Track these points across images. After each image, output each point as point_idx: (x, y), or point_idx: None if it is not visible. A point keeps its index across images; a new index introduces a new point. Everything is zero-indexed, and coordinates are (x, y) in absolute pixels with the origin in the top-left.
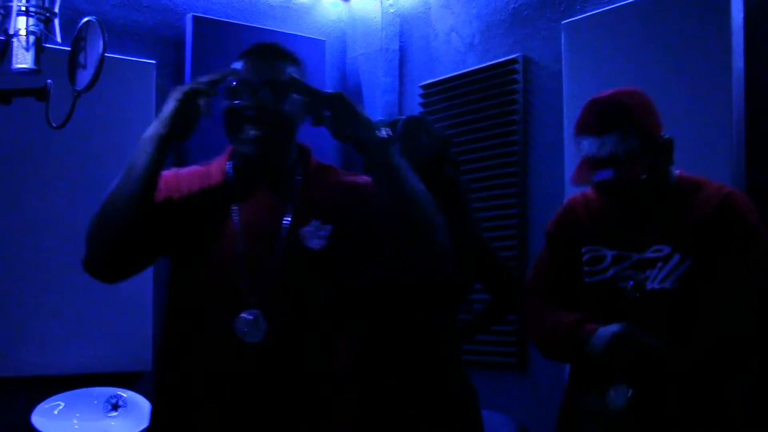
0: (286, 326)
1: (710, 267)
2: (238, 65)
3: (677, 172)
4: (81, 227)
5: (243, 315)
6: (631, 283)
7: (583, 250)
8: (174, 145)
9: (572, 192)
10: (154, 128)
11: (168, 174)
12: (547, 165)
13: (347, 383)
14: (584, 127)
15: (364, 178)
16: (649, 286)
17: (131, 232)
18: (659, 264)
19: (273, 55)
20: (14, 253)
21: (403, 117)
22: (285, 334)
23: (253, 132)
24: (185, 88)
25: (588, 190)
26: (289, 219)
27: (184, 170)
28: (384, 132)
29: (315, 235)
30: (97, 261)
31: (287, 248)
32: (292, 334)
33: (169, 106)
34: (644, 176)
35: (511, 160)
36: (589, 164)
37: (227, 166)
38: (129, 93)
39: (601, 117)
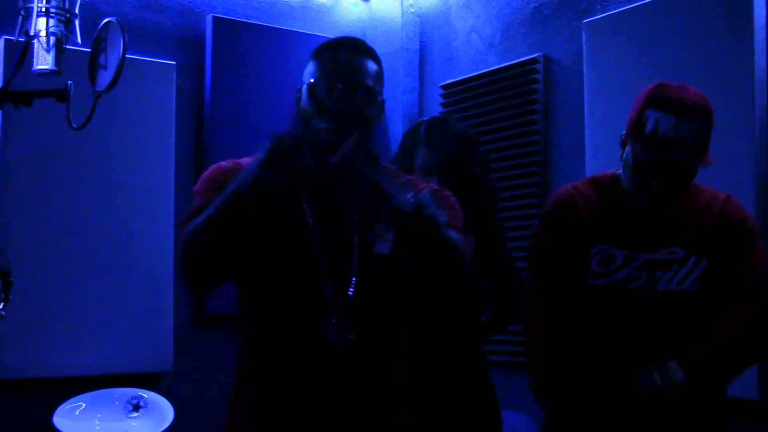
0: (373, 331)
1: (726, 268)
2: (313, 63)
3: None
4: (103, 228)
5: (333, 318)
6: (645, 284)
7: (593, 250)
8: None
9: None
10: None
11: (224, 176)
12: (569, 164)
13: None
14: (665, 104)
15: (426, 183)
16: (662, 287)
17: (230, 255)
18: (674, 266)
19: (354, 50)
20: (37, 255)
21: (426, 119)
22: (372, 338)
23: (329, 137)
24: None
25: (577, 183)
26: (358, 223)
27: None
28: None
29: (382, 239)
30: (196, 277)
31: (361, 253)
32: (378, 337)
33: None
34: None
35: (532, 159)
36: (653, 143)
37: None
38: (149, 94)
39: (686, 101)
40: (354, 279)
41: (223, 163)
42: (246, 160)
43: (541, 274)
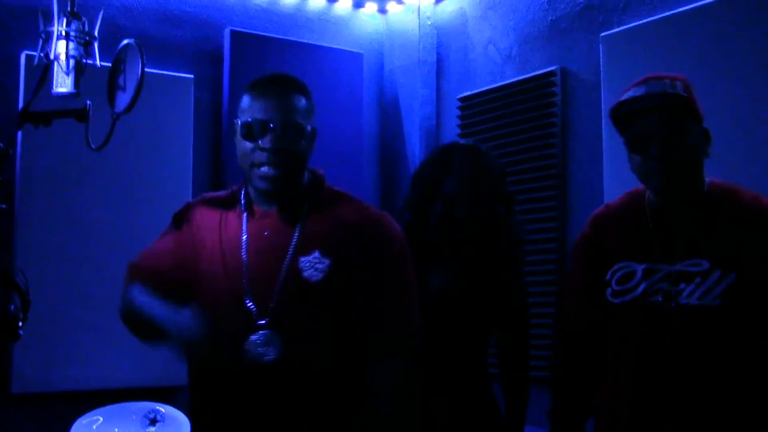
0: (292, 347)
1: (758, 283)
2: (248, 99)
3: (708, 179)
4: (121, 243)
5: (253, 337)
6: (661, 297)
7: (614, 267)
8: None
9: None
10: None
11: (190, 214)
12: (587, 177)
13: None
14: (632, 84)
15: (376, 214)
16: (684, 301)
17: None
18: (697, 279)
19: (286, 90)
20: (55, 270)
21: (460, 144)
22: (291, 355)
23: (267, 170)
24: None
25: (613, 200)
26: (291, 248)
27: (208, 202)
28: None
29: (313, 267)
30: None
31: (287, 276)
32: (297, 355)
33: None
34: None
35: (550, 173)
36: (631, 102)
37: (242, 196)
38: (167, 107)
39: (651, 75)
40: (274, 299)
41: (191, 202)
42: (215, 193)
43: (570, 300)
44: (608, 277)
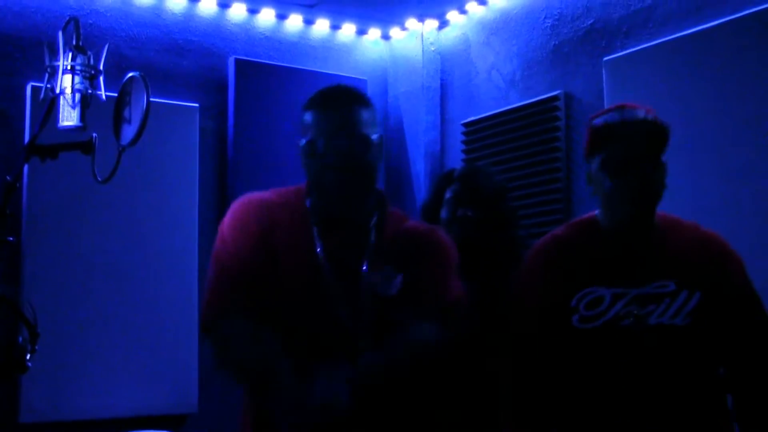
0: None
1: (720, 302)
2: (309, 116)
3: None
4: (128, 272)
5: (362, 357)
6: (632, 319)
7: (578, 294)
8: None
9: None
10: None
11: (252, 221)
12: (591, 202)
13: None
14: (606, 110)
15: (427, 226)
16: (654, 321)
17: None
18: (666, 300)
19: (346, 102)
20: (63, 300)
21: (461, 168)
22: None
23: (338, 191)
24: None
25: (556, 230)
26: (366, 265)
27: (266, 204)
28: None
29: (387, 282)
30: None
31: (362, 292)
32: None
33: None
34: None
35: (555, 197)
36: (608, 128)
37: (307, 203)
38: (173, 136)
39: (625, 104)
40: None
41: (254, 199)
42: (269, 195)
43: (523, 326)
44: (573, 303)
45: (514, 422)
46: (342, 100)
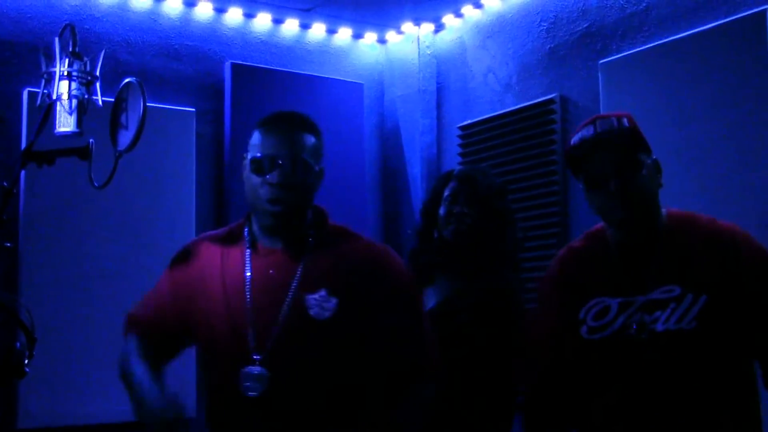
0: (287, 385)
1: (728, 304)
2: (258, 136)
3: (665, 210)
4: (124, 277)
5: (247, 369)
6: (635, 326)
7: (587, 305)
8: None
9: None
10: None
11: (189, 254)
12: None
13: None
14: (580, 126)
15: (378, 247)
16: (662, 327)
17: None
18: (672, 305)
19: (296, 127)
20: (60, 304)
21: (459, 169)
22: (285, 392)
23: (274, 206)
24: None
25: (574, 241)
26: (295, 285)
27: (207, 239)
28: None
29: (320, 305)
30: None
31: (291, 313)
32: (291, 393)
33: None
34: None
35: (551, 200)
36: (583, 144)
37: (245, 232)
38: (169, 141)
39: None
40: (274, 335)
41: (189, 243)
42: (212, 233)
43: (538, 340)
44: (582, 315)
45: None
46: (292, 124)
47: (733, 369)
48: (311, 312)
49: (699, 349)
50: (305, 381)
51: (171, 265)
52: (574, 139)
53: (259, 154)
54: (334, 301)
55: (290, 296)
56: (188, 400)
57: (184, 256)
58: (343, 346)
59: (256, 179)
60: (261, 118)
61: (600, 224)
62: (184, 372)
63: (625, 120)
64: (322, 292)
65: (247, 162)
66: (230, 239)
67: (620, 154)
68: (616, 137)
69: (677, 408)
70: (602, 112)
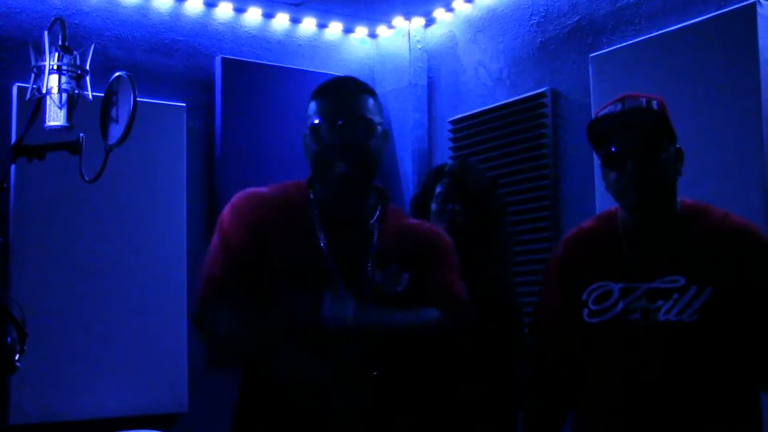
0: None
1: (733, 298)
2: (314, 104)
3: (680, 199)
4: (116, 272)
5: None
6: (639, 315)
7: (589, 288)
8: None
9: None
10: None
11: (250, 211)
12: (579, 197)
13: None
14: (607, 103)
15: (429, 226)
16: (663, 317)
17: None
18: (675, 295)
19: (353, 89)
20: (52, 300)
21: (450, 163)
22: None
23: (339, 167)
24: None
25: (584, 222)
26: (369, 260)
27: (266, 198)
28: None
29: (392, 280)
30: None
31: (365, 288)
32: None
33: None
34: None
35: (542, 193)
36: (606, 119)
37: (310, 195)
38: (160, 136)
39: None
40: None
41: (252, 194)
42: (267, 190)
43: (542, 317)
44: (584, 297)
45: (529, 409)
46: (349, 87)
47: (731, 365)
48: (384, 288)
49: (698, 342)
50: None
51: (235, 222)
52: (600, 113)
53: (317, 120)
54: (405, 276)
55: (366, 271)
56: (180, 394)
57: (244, 212)
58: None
59: (315, 146)
60: (315, 88)
61: (615, 205)
62: (175, 366)
63: (654, 103)
64: (393, 268)
65: (307, 133)
66: (289, 203)
67: (642, 135)
68: (642, 118)
69: (672, 399)
70: (593, 105)
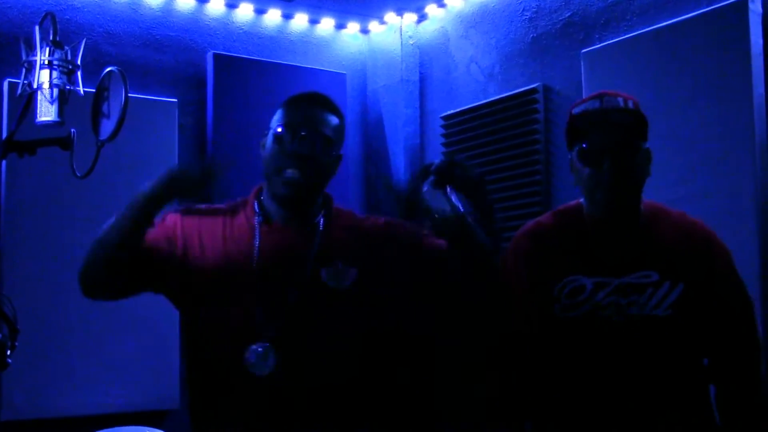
0: (296, 362)
1: (704, 295)
2: (281, 112)
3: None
4: None
5: (253, 347)
6: (613, 309)
7: (560, 283)
8: (161, 207)
9: None
10: (146, 189)
11: (189, 220)
12: (570, 193)
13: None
14: (587, 98)
15: (383, 220)
16: (635, 311)
17: (116, 271)
18: (649, 290)
19: (318, 105)
20: (42, 297)
21: (437, 162)
22: (294, 369)
23: (291, 173)
24: (179, 172)
25: (540, 217)
26: (312, 258)
27: (208, 212)
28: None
29: (338, 276)
30: (87, 282)
31: (308, 285)
32: (301, 370)
33: (162, 179)
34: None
35: (534, 189)
36: (587, 116)
37: (255, 205)
38: (151, 131)
39: (605, 90)
40: (289, 309)
41: (181, 210)
42: (211, 205)
43: (507, 314)
44: (555, 292)
45: (495, 410)
46: (316, 102)
47: (696, 359)
48: (330, 283)
49: (671, 337)
50: (319, 356)
51: (164, 218)
52: (577, 109)
53: (281, 128)
54: (352, 271)
55: (308, 269)
56: (171, 390)
57: (183, 213)
58: (361, 315)
59: (276, 149)
60: (286, 98)
61: (572, 202)
62: (166, 362)
63: (630, 102)
64: (338, 264)
65: (268, 137)
66: (234, 211)
67: (621, 134)
68: (621, 117)
69: (643, 393)
70: None
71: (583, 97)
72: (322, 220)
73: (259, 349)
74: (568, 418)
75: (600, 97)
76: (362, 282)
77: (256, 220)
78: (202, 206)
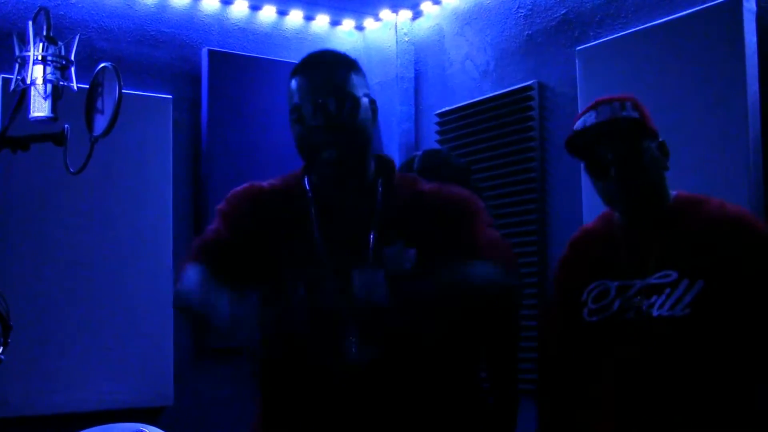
0: (378, 348)
1: (727, 290)
2: (293, 82)
3: (674, 192)
4: (102, 264)
5: (349, 338)
6: (634, 311)
7: (589, 287)
8: None
9: (591, 218)
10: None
11: (245, 203)
12: (566, 191)
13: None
14: (583, 110)
15: (448, 190)
16: (656, 313)
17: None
18: (667, 290)
19: (332, 63)
20: (36, 292)
21: (420, 152)
22: (380, 355)
23: (328, 153)
24: None
25: (588, 223)
26: (372, 238)
27: (264, 191)
28: None
29: (399, 258)
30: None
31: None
32: (385, 355)
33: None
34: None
35: (529, 186)
36: (585, 130)
37: (305, 183)
38: (146, 128)
39: (600, 99)
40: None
41: (248, 188)
42: (266, 182)
43: (547, 320)
44: (584, 297)
45: (542, 409)
46: (326, 61)
47: (727, 358)
48: (389, 265)
49: (691, 336)
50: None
51: (224, 211)
52: (576, 126)
53: (297, 101)
54: (411, 251)
55: (370, 252)
56: (165, 388)
57: (239, 203)
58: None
59: (299, 128)
60: (294, 66)
61: None
62: (160, 359)
63: (628, 104)
64: (399, 243)
65: (289, 113)
66: (285, 193)
67: (620, 143)
68: (617, 126)
69: (667, 395)
70: (579, 99)
71: (578, 94)
72: (380, 191)
73: (353, 339)
74: (596, 421)
75: (595, 107)
76: (420, 262)
77: (309, 202)
78: (258, 185)
